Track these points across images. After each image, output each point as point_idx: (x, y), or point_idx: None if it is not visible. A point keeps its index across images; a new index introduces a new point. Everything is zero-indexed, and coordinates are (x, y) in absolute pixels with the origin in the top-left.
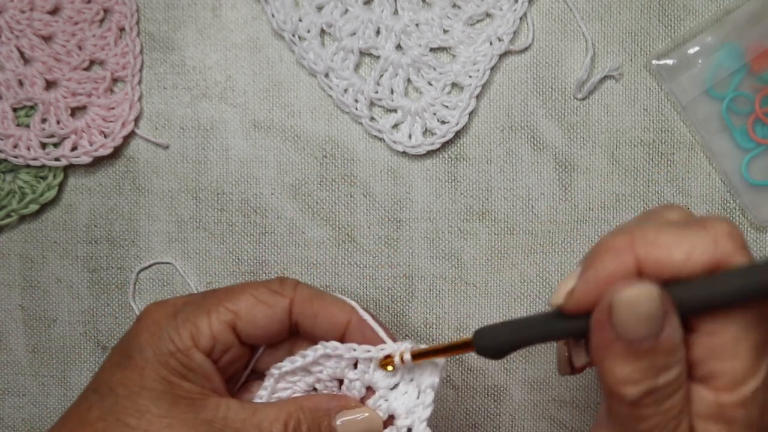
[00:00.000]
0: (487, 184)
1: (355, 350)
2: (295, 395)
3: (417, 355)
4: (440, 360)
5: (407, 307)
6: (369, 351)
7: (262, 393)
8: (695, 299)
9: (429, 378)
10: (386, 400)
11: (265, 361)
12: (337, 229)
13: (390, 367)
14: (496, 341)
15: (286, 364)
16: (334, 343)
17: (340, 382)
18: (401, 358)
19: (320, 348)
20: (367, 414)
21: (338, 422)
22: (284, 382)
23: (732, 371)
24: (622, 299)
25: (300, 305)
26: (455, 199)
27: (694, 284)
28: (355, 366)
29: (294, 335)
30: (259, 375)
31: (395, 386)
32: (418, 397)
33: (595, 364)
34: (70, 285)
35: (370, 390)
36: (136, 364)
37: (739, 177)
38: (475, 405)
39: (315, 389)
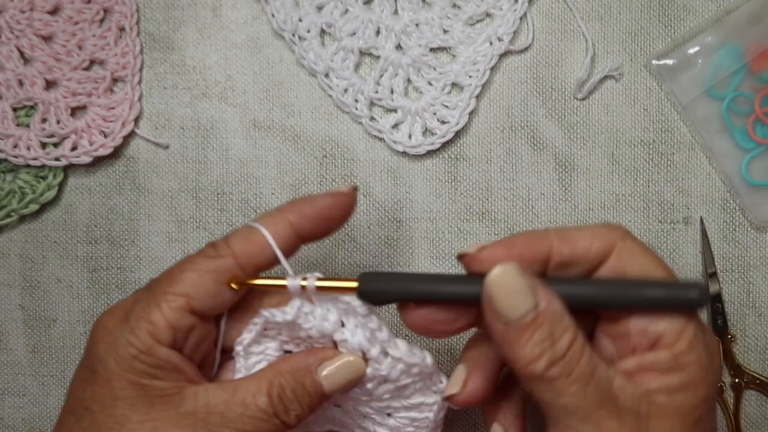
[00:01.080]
0: (487, 184)
1: (286, 313)
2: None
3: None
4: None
5: None
6: (286, 313)
7: (239, 376)
8: (595, 299)
9: (352, 304)
10: (347, 340)
11: (235, 335)
12: None
13: (235, 286)
14: (379, 288)
15: (245, 336)
16: (272, 311)
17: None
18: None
19: (264, 315)
20: (349, 358)
21: (322, 375)
22: (254, 355)
23: (670, 327)
24: (490, 280)
25: (243, 252)
26: (455, 199)
27: (597, 285)
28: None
29: (253, 296)
30: (232, 356)
31: (342, 326)
32: (364, 324)
33: (506, 360)
34: (70, 285)
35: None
36: (102, 378)
37: (739, 177)
38: None
39: (288, 352)
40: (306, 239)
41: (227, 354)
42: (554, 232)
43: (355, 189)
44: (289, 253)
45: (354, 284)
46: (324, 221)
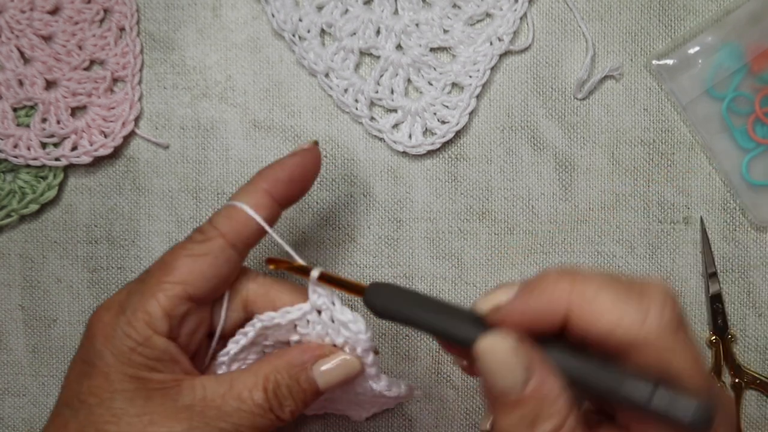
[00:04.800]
0: (487, 184)
1: (290, 312)
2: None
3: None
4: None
5: None
6: (301, 309)
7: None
8: (596, 386)
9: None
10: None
11: (218, 319)
12: (337, 229)
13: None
14: (384, 306)
15: (232, 347)
16: (269, 314)
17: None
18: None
19: (257, 322)
20: (345, 357)
21: (317, 372)
22: (236, 362)
23: None
24: (480, 348)
25: (230, 231)
26: (455, 199)
27: (603, 370)
28: (295, 328)
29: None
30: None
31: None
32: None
33: None
34: (70, 285)
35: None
36: (100, 371)
37: (739, 177)
38: (475, 405)
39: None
40: (284, 204)
41: (222, 341)
42: (581, 288)
43: (316, 143)
44: (272, 221)
45: (362, 288)
46: (297, 182)
